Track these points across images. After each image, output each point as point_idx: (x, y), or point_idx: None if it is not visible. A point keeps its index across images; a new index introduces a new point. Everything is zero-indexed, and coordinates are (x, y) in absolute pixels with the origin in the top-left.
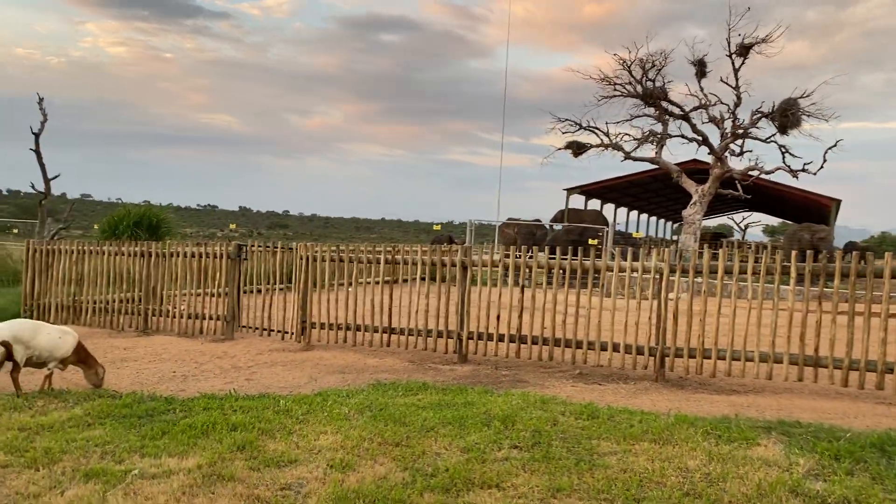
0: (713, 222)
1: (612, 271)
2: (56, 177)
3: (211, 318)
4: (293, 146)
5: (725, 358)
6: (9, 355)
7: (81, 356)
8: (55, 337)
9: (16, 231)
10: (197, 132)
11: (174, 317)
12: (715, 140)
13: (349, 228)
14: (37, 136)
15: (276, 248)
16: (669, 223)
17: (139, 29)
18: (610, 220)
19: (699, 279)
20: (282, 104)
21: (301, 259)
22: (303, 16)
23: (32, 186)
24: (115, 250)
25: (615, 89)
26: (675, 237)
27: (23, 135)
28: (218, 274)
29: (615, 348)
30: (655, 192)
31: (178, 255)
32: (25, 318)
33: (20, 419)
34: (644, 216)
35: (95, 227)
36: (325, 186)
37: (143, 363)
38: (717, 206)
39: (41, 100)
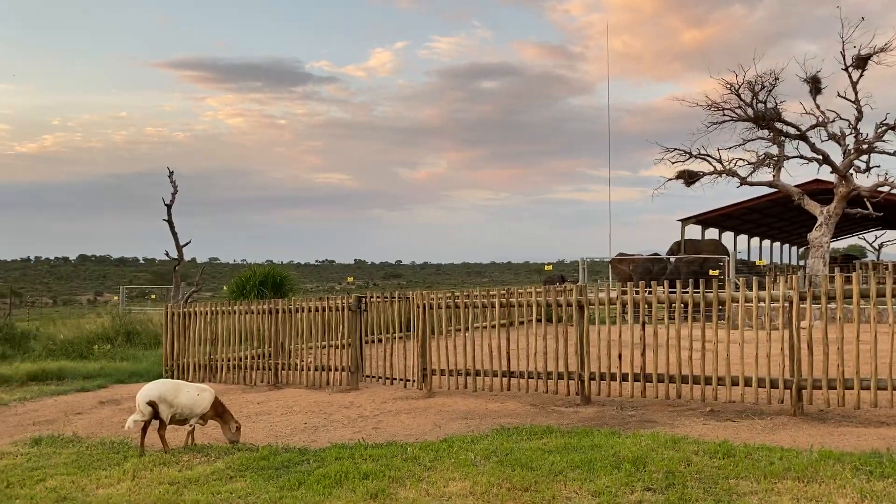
0: (842, 243)
1: (737, 302)
2: (187, 243)
3: (336, 369)
4: (403, 198)
5: (870, 388)
6: (155, 414)
7: (218, 411)
8: (194, 395)
9: (154, 297)
10: (313, 192)
11: (302, 370)
12: (837, 158)
13: (460, 274)
14: (169, 206)
15: (394, 297)
16: (794, 248)
17: (254, 99)
18: (730, 248)
19: (833, 305)
20: (390, 159)
21: (418, 307)
22: (405, 72)
23: (167, 254)
24: (245, 309)
25: (724, 114)
26: (801, 262)
27: (155, 206)
28: (340, 326)
29: (747, 382)
30: (776, 216)
31: (303, 311)
32: (166, 377)
33: (169, 473)
34: (766, 242)
35: (224, 288)
36: (435, 234)
37: (275, 416)
38: (845, 226)
39: (171, 173)
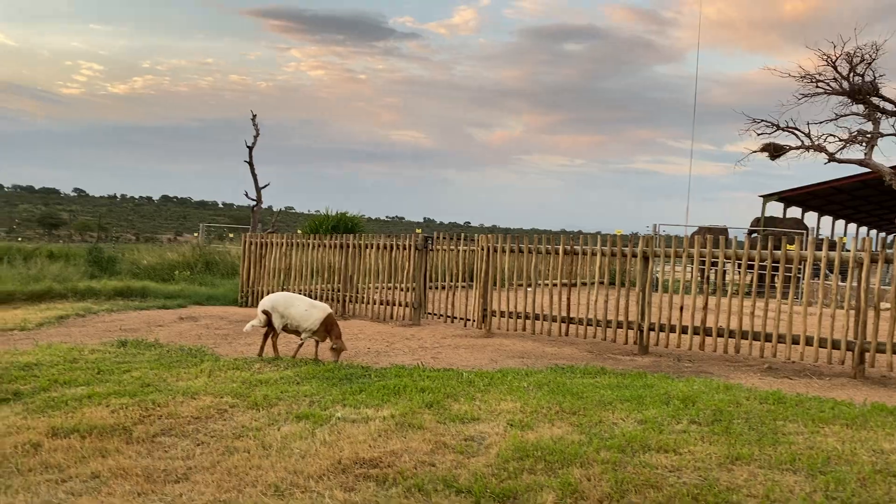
0: None
1: (805, 260)
2: (266, 185)
3: (400, 304)
4: (476, 159)
5: None
6: (269, 321)
7: (328, 329)
8: (302, 309)
9: (231, 236)
10: (387, 148)
11: (368, 303)
12: None
13: None
14: (250, 148)
15: (459, 238)
16: (883, 235)
17: (336, 52)
18: (812, 228)
19: None
20: (466, 119)
21: (482, 249)
22: (488, 31)
23: (246, 194)
24: (317, 243)
25: (817, 86)
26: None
27: (236, 153)
28: (407, 264)
29: (808, 342)
30: (866, 199)
31: (371, 247)
32: (241, 303)
33: (241, 375)
34: (852, 227)
35: (299, 231)
36: (506, 198)
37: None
38: None
39: (254, 116)
